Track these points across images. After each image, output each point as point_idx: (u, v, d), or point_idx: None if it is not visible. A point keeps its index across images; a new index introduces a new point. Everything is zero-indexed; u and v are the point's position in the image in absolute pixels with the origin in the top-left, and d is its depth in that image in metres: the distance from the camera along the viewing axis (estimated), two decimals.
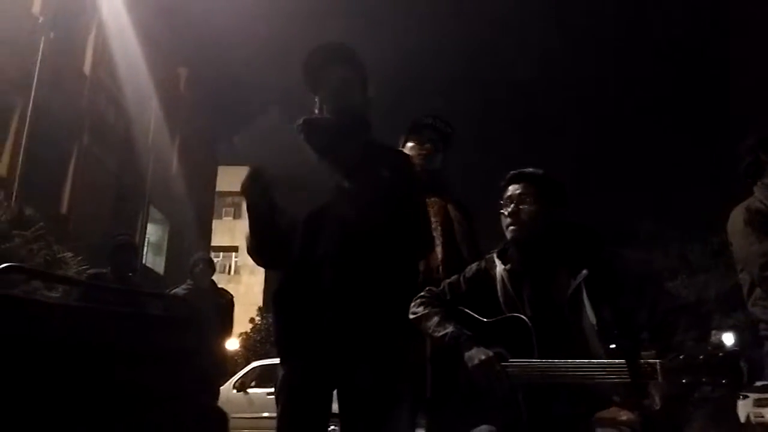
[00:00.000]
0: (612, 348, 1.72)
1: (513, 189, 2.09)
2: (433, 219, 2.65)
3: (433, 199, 2.71)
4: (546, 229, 2.03)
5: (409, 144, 2.85)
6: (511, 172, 2.15)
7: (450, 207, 2.75)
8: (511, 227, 2.04)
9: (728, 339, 20.21)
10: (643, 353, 1.80)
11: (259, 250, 2.01)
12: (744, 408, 17.03)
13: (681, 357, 1.63)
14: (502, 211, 2.09)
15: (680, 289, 25.28)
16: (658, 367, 1.63)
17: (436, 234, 2.62)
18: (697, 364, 1.61)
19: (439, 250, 2.60)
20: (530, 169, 2.13)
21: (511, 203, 2.06)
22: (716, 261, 24.46)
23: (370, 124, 2.11)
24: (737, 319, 22.31)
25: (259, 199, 1.90)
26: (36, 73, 12.67)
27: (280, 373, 1.97)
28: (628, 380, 1.67)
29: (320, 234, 1.89)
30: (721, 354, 1.62)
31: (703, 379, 1.60)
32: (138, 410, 2.88)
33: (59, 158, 13.95)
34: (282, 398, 1.93)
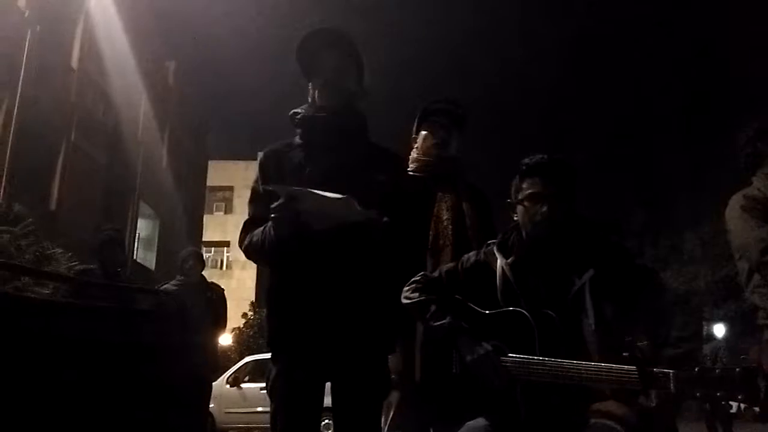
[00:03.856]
0: (625, 355, 1.67)
1: (544, 186, 1.93)
2: (445, 217, 2.61)
3: (447, 194, 2.66)
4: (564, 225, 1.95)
5: (423, 132, 2.75)
6: (539, 159, 1.97)
7: (464, 202, 2.65)
8: (543, 225, 1.91)
9: (719, 330, 20.35)
10: (638, 344, 1.79)
11: (263, 259, 1.99)
12: None
13: (696, 369, 1.59)
14: (525, 203, 1.96)
15: (670, 281, 25.46)
16: (671, 377, 1.59)
17: (447, 233, 2.58)
18: (713, 378, 1.57)
19: (448, 250, 2.55)
20: (559, 158, 1.98)
21: (544, 203, 1.91)
22: (706, 251, 24.65)
23: (364, 117, 2.06)
24: (728, 310, 22.51)
25: (288, 231, 1.83)
26: (22, 67, 12.52)
27: (272, 369, 1.95)
28: (639, 388, 1.64)
29: (312, 235, 1.86)
30: (738, 369, 1.57)
31: (718, 393, 1.57)
32: (128, 404, 2.86)
33: (47, 153, 13.80)
34: (275, 394, 1.93)
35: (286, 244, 1.85)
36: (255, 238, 1.94)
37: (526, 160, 1.99)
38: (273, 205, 1.81)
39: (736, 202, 2.61)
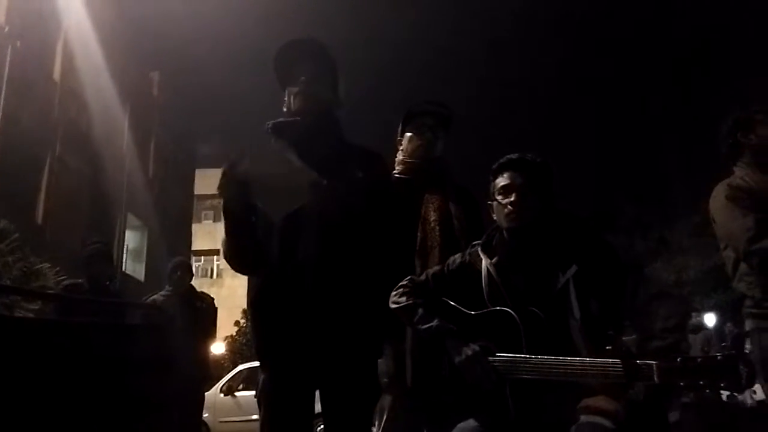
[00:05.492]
0: (608, 348, 1.69)
1: (512, 178, 1.99)
2: (432, 218, 2.61)
3: (434, 195, 2.65)
4: (540, 219, 1.98)
5: (408, 134, 2.74)
6: (508, 157, 2.03)
7: (451, 203, 2.64)
8: (512, 217, 1.95)
9: (709, 320, 20.48)
10: (624, 338, 1.80)
11: (234, 253, 1.95)
12: None
13: (678, 359, 1.60)
14: (497, 198, 2.00)
15: (660, 272, 25.54)
16: (654, 368, 1.61)
17: (435, 234, 2.58)
18: (695, 367, 1.58)
19: (436, 252, 2.54)
20: (529, 156, 2.02)
21: (512, 193, 1.96)
22: (695, 241, 24.77)
23: (339, 122, 2.08)
24: (717, 299, 22.64)
25: (236, 198, 1.85)
26: (4, 82, 12.42)
27: (261, 376, 1.95)
28: (624, 381, 1.65)
29: (296, 239, 1.87)
30: (719, 357, 1.58)
31: (701, 382, 1.58)
32: (121, 418, 2.85)
33: (32, 168, 13.71)
34: (264, 402, 1.92)
35: (241, 219, 1.86)
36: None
37: (499, 160, 2.05)
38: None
39: (720, 191, 2.60)
